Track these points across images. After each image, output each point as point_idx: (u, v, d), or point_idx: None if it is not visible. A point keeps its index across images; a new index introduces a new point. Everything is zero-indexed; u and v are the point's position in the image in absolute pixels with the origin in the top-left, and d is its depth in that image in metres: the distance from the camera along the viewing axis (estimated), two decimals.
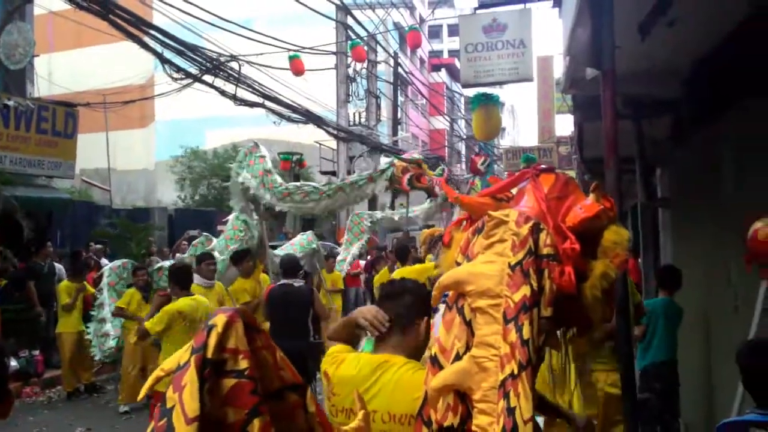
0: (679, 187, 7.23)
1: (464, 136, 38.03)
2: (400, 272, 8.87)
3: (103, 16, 8.94)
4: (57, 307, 9.58)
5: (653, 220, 8.48)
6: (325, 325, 12.13)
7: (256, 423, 1.43)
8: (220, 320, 1.48)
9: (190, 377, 1.39)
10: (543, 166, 2.32)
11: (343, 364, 2.35)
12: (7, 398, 1.66)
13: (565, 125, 25.85)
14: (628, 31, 3.89)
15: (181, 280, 6.11)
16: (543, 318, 1.86)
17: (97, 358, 8.98)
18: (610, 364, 4.71)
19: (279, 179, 8.88)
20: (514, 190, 2.35)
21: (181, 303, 5.86)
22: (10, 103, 9.95)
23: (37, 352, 9.96)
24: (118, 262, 9.19)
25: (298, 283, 6.91)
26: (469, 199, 2.37)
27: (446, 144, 36.39)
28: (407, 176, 8.72)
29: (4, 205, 8.51)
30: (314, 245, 11.14)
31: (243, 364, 1.47)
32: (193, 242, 9.83)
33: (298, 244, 10.92)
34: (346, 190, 8.94)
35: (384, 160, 23.71)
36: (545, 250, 1.92)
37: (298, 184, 8.94)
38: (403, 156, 9.64)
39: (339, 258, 12.94)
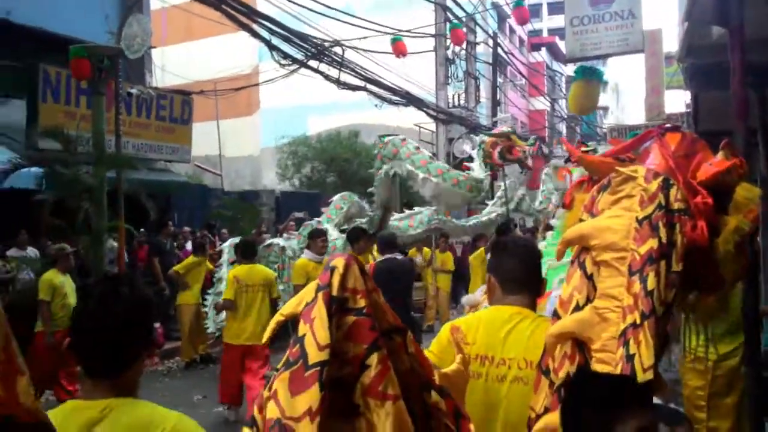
0: None
1: (565, 116, 37.03)
2: None
3: (216, 7, 9.41)
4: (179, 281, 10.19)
5: None
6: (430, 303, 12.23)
7: (375, 356, 1.50)
8: (339, 262, 1.56)
9: (319, 311, 1.48)
10: (668, 125, 2.28)
11: (472, 318, 2.44)
12: (154, 339, 1.82)
13: (675, 102, 24.64)
14: None
15: (242, 251, 7.53)
16: (674, 273, 1.84)
17: (210, 330, 9.47)
18: (730, 335, 4.50)
19: (444, 165, 9.08)
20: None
21: (237, 269, 7.31)
22: (134, 91, 10.64)
23: (158, 325, 10.64)
24: (234, 240, 9.65)
25: (399, 256, 7.14)
26: (591, 158, 2.37)
27: (546, 125, 35.54)
28: (497, 150, 8.51)
29: (130, 187, 9.10)
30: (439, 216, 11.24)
31: (361, 302, 1.54)
32: (304, 223, 10.19)
33: (418, 220, 11.02)
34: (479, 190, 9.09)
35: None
36: (676, 205, 1.90)
37: (461, 173, 8.99)
38: (492, 131, 9.44)
39: None
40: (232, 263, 9.06)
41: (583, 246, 2.00)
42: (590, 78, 7.51)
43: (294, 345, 1.48)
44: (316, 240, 7.87)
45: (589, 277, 1.95)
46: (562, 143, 8.03)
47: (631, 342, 1.73)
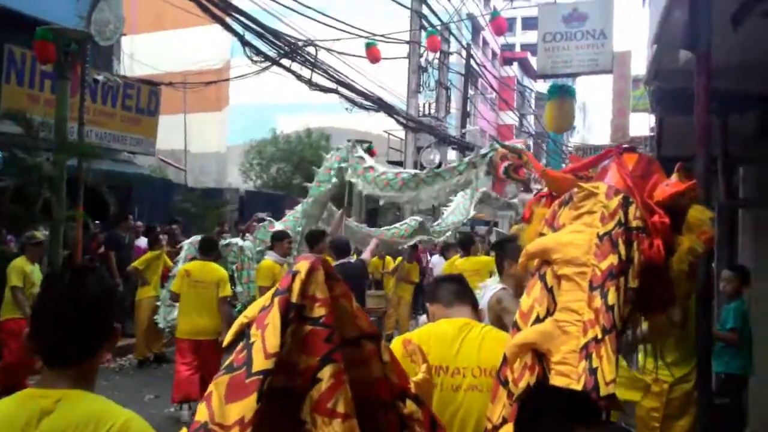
0: (763, 186, 6.97)
1: (533, 132, 37.51)
2: (466, 262, 8.99)
3: None
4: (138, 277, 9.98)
5: (731, 221, 8.17)
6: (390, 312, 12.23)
7: (327, 370, 1.44)
8: (303, 266, 1.50)
9: (273, 317, 1.42)
10: (626, 145, 2.34)
11: (423, 330, 2.48)
12: (114, 333, 1.80)
13: (639, 125, 25.16)
14: (720, 22, 3.78)
15: (202, 247, 7.54)
16: (630, 289, 1.89)
17: (160, 325, 9.36)
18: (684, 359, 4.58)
19: (381, 168, 8.86)
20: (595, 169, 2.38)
21: (190, 264, 7.50)
22: (100, 78, 10.42)
23: None
24: (196, 237, 9.53)
25: (352, 260, 7.55)
26: (554, 174, 2.41)
27: (514, 140, 35.91)
28: (504, 164, 8.38)
29: (91, 177, 8.90)
30: (418, 220, 11.26)
31: (319, 311, 1.48)
32: (258, 225, 10.16)
33: (404, 229, 11.02)
34: (446, 176, 8.67)
35: (452, 153, 23.67)
36: (634, 223, 1.96)
37: (396, 170, 8.84)
38: (507, 143, 9.27)
39: None
40: (191, 259, 8.97)
41: (545, 259, 2.02)
42: (563, 96, 7.61)
43: (242, 350, 1.43)
44: (282, 242, 7.92)
45: (549, 290, 1.99)
46: (527, 158, 7.94)
47: (594, 356, 1.76)
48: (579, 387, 1.73)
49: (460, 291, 2.53)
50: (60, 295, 1.71)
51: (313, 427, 1.44)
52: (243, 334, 1.64)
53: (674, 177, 2.17)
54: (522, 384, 1.90)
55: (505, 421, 1.92)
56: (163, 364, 9.95)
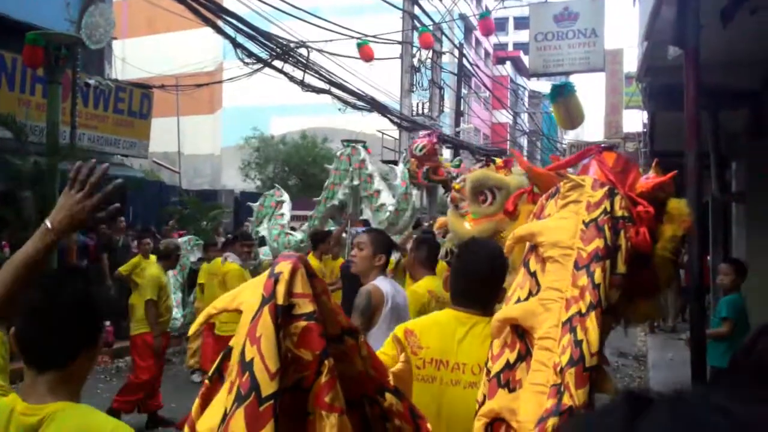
0: (755, 181, 7.00)
1: (527, 130, 37.57)
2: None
3: (180, 0, 9.26)
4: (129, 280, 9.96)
5: (725, 215, 8.21)
6: None
7: (326, 364, 1.45)
8: (285, 267, 1.48)
9: (264, 327, 1.40)
10: (604, 144, 2.43)
11: (425, 321, 2.46)
12: (97, 339, 1.77)
13: (633, 121, 25.31)
14: (710, 19, 3.80)
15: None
16: (619, 275, 1.93)
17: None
18: None
19: (384, 197, 8.73)
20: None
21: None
22: (92, 81, 10.39)
23: (108, 323, 10.37)
24: (185, 238, 9.57)
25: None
26: (539, 170, 2.49)
27: (508, 138, 35.98)
28: (423, 170, 8.40)
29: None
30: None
31: (311, 307, 1.48)
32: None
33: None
34: (405, 205, 8.70)
35: (447, 152, 23.59)
36: (620, 212, 2.02)
37: (392, 202, 8.60)
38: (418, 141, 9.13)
39: None
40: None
41: (530, 246, 2.08)
42: (565, 95, 7.56)
43: (243, 372, 1.38)
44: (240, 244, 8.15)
45: (532, 274, 2.03)
46: (513, 155, 8.00)
47: (578, 328, 1.78)
48: (564, 359, 1.75)
49: (470, 293, 2.44)
50: (41, 295, 1.69)
51: (315, 418, 1.45)
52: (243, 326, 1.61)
53: (652, 172, 2.28)
54: (500, 361, 1.93)
55: (485, 398, 1.94)
56: None
